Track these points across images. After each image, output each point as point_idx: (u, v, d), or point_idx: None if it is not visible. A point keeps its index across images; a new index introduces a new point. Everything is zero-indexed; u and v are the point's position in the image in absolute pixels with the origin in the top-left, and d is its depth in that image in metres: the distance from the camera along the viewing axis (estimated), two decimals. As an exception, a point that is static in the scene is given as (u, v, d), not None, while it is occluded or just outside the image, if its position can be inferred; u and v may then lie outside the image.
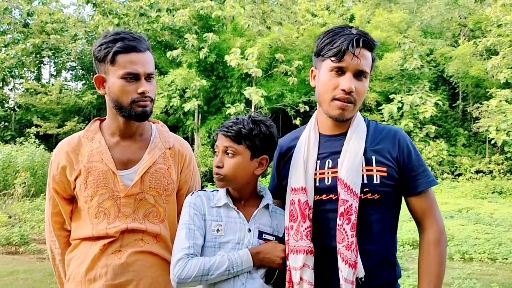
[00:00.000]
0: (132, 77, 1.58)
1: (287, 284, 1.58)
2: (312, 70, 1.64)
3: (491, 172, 15.63)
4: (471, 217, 9.63)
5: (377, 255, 1.54)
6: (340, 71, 1.52)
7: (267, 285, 1.60)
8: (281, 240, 1.64)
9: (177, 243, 1.55)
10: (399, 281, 1.65)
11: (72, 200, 1.73)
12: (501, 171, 15.49)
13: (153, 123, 1.84)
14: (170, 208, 1.74)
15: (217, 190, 1.68)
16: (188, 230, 1.55)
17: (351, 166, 1.51)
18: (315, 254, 1.55)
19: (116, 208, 1.64)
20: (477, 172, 15.77)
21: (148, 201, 1.68)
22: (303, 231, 1.53)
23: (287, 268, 1.58)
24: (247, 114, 1.64)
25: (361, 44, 1.50)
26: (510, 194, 13.80)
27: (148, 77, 1.62)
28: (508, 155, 15.25)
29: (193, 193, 1.67)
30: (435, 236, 1.56)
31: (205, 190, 1.71)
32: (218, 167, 1.59)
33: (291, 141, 1.71)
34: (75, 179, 1.67)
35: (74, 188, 1.68)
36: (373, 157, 1.55)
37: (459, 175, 15.95)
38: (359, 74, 1.52)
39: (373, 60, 1.58)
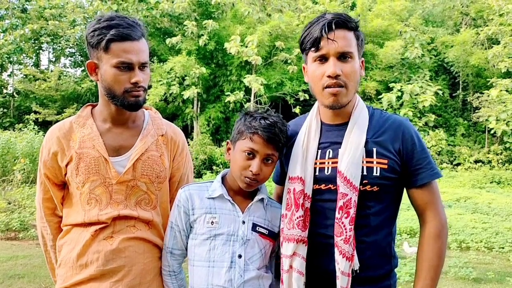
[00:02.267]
0: (126, 67, 1.56)
1: (281, 272, 1.59)
2: (304, 67, 1.65)
3: (489, 162, 15.66)
4: (469, 206, 9.67)
5: (374, 247, 1.53)
6: (323, 59, 1.50)
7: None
8: (275, 236, 1.65)
9: (165, 239, 1.71)
10: (396, 270, 1.65)
11: (63, 186, 1.72)
12: (500, 161, 15.51)
13: (146, 109, 1.82)
14: (162, 195, 1.73)
15: (212, 182, 1.69)
16: (170, 230, 1.68)
17: (351, 159, 1.49)
18: (312, 243, 1.55)
19: (107, 195, 1.63)
20: (476, 162, 15.79)
21: (140, 188, 1.67)
22: (295, 219, 1.53)
23: (280, 257, 1.59)
24: (268, 110, 1.63)
25: (334, 27, 1.47)
26: (508, 184, 13.82)
27: (142, 66, 1.59)
28: (507, 145, 15.27)
29: (183, 187, 1.69)
30: (436, 229, 1.54)
31: (196, 183, 1.73)
32: (257, 174, 1.57)
33: (294, 128, 1.70)
34: (67, 165, 1.65)
35: (66, 174, 1.67)
36: (374, 149, 1.53)
37: (458, 164, 15.98)
38: (342, 56, 1.49)
39: (358, 38, 1.54)
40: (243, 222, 1.60)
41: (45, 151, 1.70)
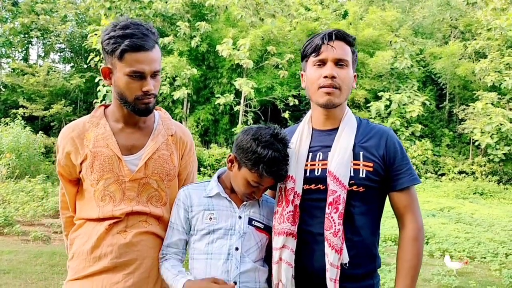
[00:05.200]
0: (138, 76, 1.62)
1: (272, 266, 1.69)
2: (302, 74, 1.80)
3: (473, 173, 15.94)
4: (452, 216, 9.83)
5: (359, 245, 1.64)
6: (322, 63, 1.66)
7: None
8: (270, 230, 1.73)
9: (165, 239, 1.75)
10: (379, 272, 1.75)
11: (77, 182, 1.79)
12: (483, 172, 15.80)
13: (156, 110, 1.88)
14: (171, 192, 1.81)
15: (209, 181, 1.78)
16: (168, 229, 1.75)
17: (340, 160, 1.62)
18: (302, 240, 1.65)
19: (121, 192, 1.70)
20: (460, 172, 16.06)
21: (151, 185, 1.74)
22: (285, 214, 1.65)
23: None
24: (277, 134, 1.64)
25: (334, 37, 1.65)
26: (491, 195, 14.09)
27: (154, 74, 1.66)
28: (491, 157, 15.56)
29: (182, 187, 1.80)
30: (414, 232, 1.67)
31: (194, 183, 1.83)
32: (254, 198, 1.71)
33: (289, 134, 1.80)
34: (81, 163, 1.72)
35: (80, 172, 1.73)
36: (361, 152, 1.66)
37: (443, 175, 16.24)
38: (339, 63, 1.66)
39: (354, 53, 1.71)
40: (240, 217, 1.70)
41: (60, 150, 1.77)
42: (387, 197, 1.75)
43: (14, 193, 8.76)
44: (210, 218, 1.68)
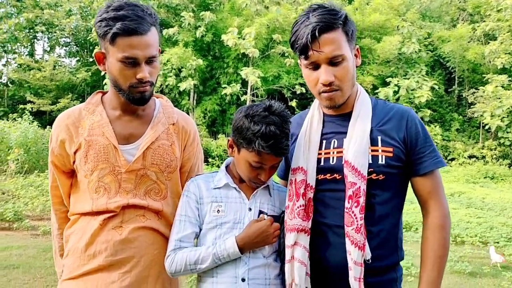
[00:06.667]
0: (131, 62, 1.50)
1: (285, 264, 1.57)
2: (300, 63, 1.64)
3: (483, 157, 15.77)
4: (463, 201, 9.73)
5: (380, 237, 1.51)
6: (314, 65, 1.49)
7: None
8: (278, 218, 1.62)
9: (170, 237, 1.60)
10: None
11: (71, 174, 1.69)
12: (494, 156, 15.62)
13: (157, 97, 1.78)
14: (172, 185, 1.70)
15: (217, 172, 1.68)
16: (178, 223, 1.60)
17: (358, 148, 1.48)
18: (317, 232, 1.54)
19: (116, 184, 1.59)
20: (470, 157, 15.90)
21: (150, 177, 1.63)
22: (296, 209, 1.53)
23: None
24: (270, 106, 1.53)
25: (317, 34, 1.43)
26: (501, 179, 13.93)
27: (149, 60, 1.54)
28: (502, 140, 15.38)
29: (191, 178, 1.68)
30: (439, 220, 1.53)
31: (202, 174, 1.71)
32: (262, 181, 1.60)
33: (300, 121, 1.69)
34: (75, 152, 1.62)
35: (74, 162, 1.63)
36: (379, 137, 1.52)
37: (453, 159, 16.09)
38: (333, 61, 1.46)
39: (347, 33, 1.50)
40: (250, 209, 1.59)
41: (54, 138, 1.66)
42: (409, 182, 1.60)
43: (23, 188, 8.82)
44: (218, 210, 1.57)
